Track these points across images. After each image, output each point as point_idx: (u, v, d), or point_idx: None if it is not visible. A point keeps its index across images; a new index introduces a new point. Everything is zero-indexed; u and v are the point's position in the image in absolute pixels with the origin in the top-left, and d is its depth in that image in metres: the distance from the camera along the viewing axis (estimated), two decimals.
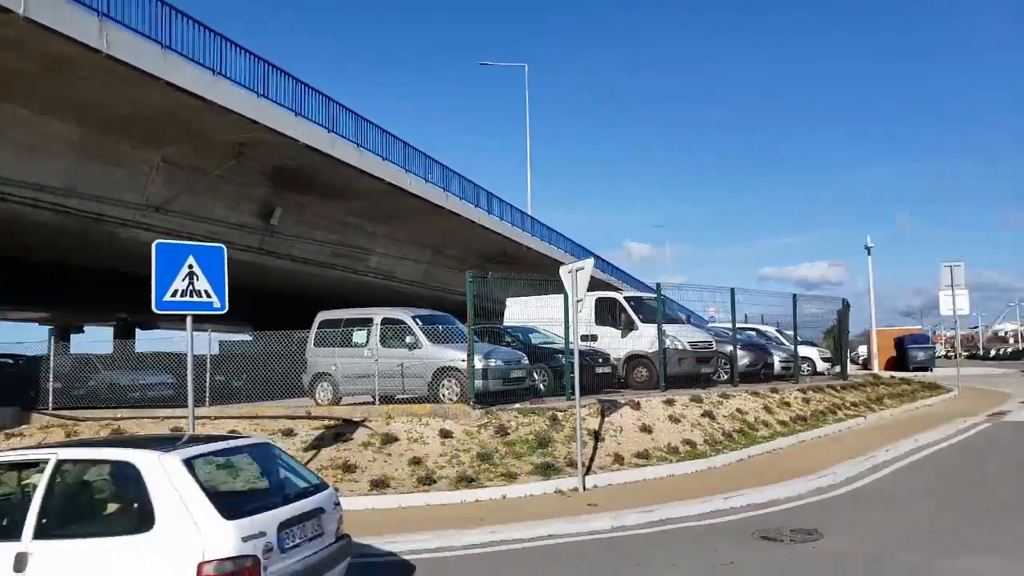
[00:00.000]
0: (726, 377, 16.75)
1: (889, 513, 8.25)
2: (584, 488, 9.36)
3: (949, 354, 52.08)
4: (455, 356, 12.01)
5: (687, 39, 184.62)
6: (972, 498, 8.87)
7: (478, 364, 11.52)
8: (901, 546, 6.85)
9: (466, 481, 9.34)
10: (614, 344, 15.90)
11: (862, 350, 47.71)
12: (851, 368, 28.98)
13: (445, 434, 10.50)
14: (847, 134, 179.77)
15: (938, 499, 8.91)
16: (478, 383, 11.45)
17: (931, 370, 36.69)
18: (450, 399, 11.84)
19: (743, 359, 17.51)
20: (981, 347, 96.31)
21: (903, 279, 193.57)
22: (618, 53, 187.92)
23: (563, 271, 10.37)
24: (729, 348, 16.97)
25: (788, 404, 15.09)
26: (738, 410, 13.55)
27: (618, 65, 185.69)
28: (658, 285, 16.02)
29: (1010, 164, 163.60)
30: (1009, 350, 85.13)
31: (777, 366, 19.31)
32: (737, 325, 17.95)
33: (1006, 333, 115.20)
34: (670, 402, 12.76)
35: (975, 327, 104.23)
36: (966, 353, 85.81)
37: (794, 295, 19.54)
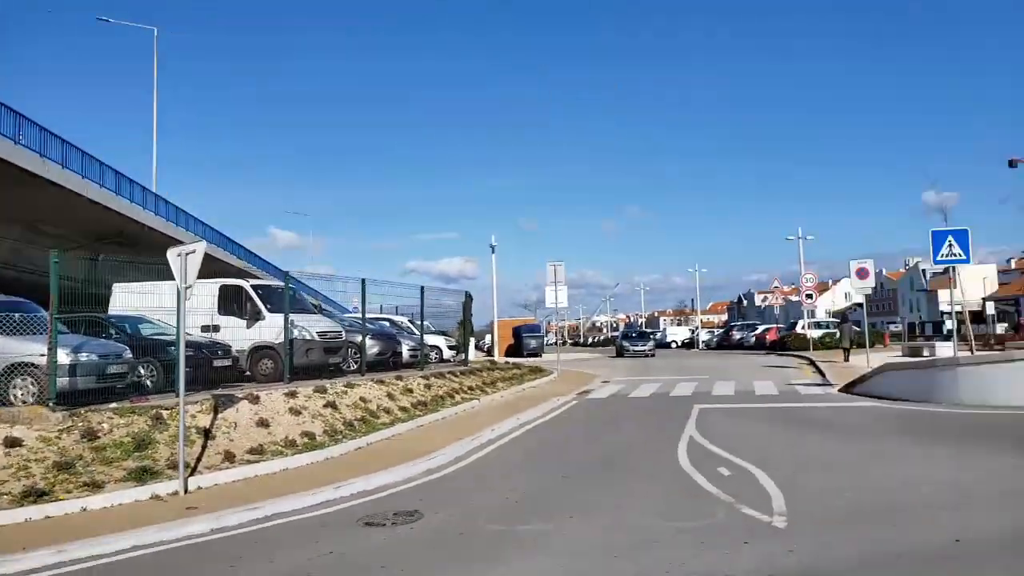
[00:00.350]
0: (355, 367, 16.94)
1: (485, 488, 9.02)
2: (186, 491, 8.62)
3: (558, 342, 59.64)
4: (32, 350, 10.19)
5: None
6: (555, 468, 10.09)
7: (63, 359, 9.93)
8: (490, 517, 7.48)
9: (36, 495, 7.96)
10: (239, 335, 15.14)
11: (488, 339, 52.31)
12: (476, 355, 31.56)
13: (12, 443, 8.83)
14: (466, 140, 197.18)
15: (528, 471, 10.00)
16: (62, 381, 9.87)
17: (541, 356, 41.68)
18: (24, 401, 10.01)
19: (372, 348, 17.91)
20: (583, 335, 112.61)
21: (524, 275, 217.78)
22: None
23: (171, 254, 9.37)
24: (359, 338, 17.20)
25: (411, 391, 15.77)
26: (362, 399, 13.76)
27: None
28: (286, 274, 15.64)
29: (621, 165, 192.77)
30: (602, 338, 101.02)
31: (406, 354, 20.17)
32: (373, 316, 18.28)
33: (601, 323, 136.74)
34: (292, 394, 12.45)
35: (579, 318, 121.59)
36: (571, 341, 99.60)
37: (422, 287, 20.51)
